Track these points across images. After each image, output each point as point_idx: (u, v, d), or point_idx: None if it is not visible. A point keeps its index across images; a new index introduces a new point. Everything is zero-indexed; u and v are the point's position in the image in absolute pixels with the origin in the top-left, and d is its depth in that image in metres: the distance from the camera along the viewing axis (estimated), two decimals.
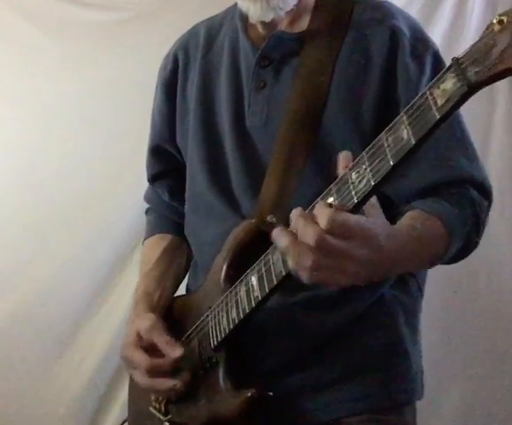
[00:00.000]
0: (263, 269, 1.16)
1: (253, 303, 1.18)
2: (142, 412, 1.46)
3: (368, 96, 1.27)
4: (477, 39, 0.84)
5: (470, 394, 2.21)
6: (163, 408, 1.40)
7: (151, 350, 1.33)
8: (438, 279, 1.91)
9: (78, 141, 2.43)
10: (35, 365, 2.42)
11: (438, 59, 1.31)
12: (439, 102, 0.86)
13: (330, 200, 1.00)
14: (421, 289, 1.39)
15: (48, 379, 2.42)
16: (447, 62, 0.88)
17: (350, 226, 0.95)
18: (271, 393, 1.20)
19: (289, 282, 1.13)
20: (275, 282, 1.13)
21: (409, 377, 1.33)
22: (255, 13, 1.33)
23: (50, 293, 2.42)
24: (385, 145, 0.93)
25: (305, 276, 0.98)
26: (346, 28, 1.32)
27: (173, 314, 1.42)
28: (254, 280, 1.18)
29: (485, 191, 1.28)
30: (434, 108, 0.86)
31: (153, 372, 1.31)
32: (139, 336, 1.35)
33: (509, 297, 2.19)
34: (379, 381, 1.29)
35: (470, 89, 0.83)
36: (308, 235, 0.95)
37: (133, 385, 1.52)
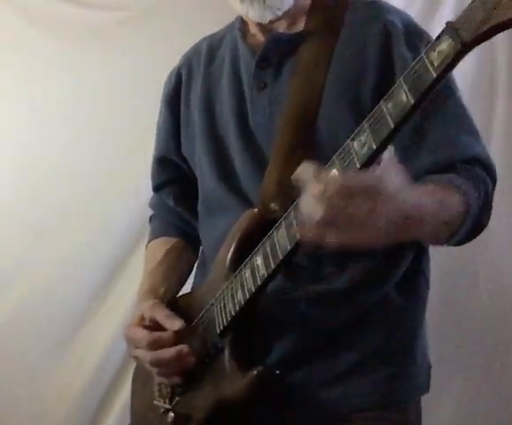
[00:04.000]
0: (268, 248, 1.19)
1: (259, 281, 1.20)
2: (145, 406, 1.47)
3: (365, 85, 1.31)
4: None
5: (470, 394, 2.20)
6: (167, 400, 1.40)
7: (154, 329, 1.35)
8: (437, 277, 1.92)
9: (77, 140, 2.44)
10: (35, 365, 2.42)
11: None
12: (436, 63, 0.91)
13: (334, 171, 1.03)
14: (427, 282, 1.40)
15: (48, 379, 2.41)
16: None
17: (348, 186, 0.96)
18: (278, 371, 1.22)
19: (294, 257, 1.16)
20: (281, 257, 1.16)
21: (413, 374, 1.34)
22: (254, 15, 1.37)
23: (50, 293, 2.43)
24: (385, 111, 0.98)
25: (309, 235, 1.00)
26: (340, 27, 1.36)
27: (177, 312, 1.41)
28: (259, 260, 1.21)
29: (490, 169, 1.29)
30: (431, 68, 0.92)
31: (154, 346, 1.32)
32: (142, 318, 1.37)
33: (510, 296, 2.19)
34: (384, 377, 1.30)
35: (464, 47, 0.89)
36: (312, 191, 0.97)
37: (136, 379, 1.54)
